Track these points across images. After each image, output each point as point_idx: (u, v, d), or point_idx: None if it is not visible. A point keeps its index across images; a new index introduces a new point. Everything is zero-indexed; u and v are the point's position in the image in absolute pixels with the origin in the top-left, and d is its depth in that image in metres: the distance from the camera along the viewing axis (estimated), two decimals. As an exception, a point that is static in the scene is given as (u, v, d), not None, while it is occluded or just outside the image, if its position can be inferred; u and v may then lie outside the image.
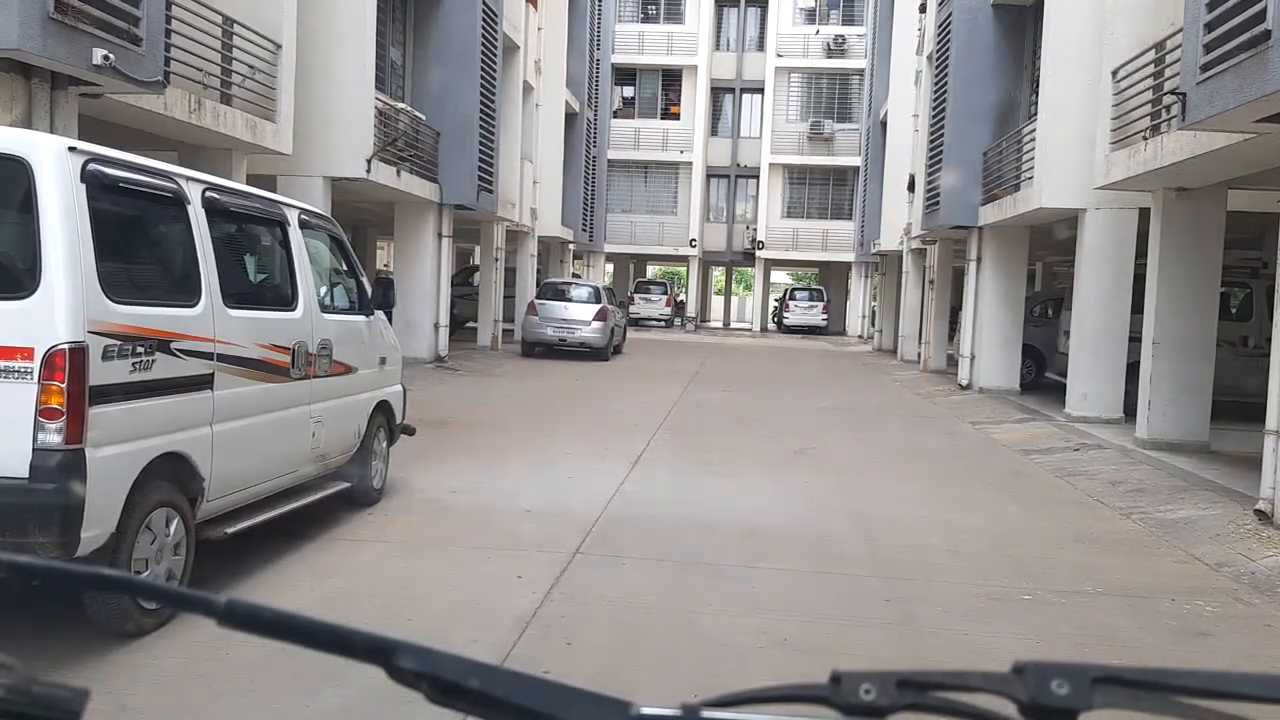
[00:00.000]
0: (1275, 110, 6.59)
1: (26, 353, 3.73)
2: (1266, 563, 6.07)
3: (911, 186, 21.82)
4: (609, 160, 34.82)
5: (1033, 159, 13.38)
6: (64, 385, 3.73)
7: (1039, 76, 13.66)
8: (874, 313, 32.71)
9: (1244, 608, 5.31)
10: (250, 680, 3.68)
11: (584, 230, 30.16)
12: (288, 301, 5.64)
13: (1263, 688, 0.66)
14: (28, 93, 7.12)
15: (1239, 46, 6.51)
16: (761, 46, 40.11)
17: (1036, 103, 13.65)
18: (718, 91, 40.53)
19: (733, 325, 44.23)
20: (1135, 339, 11.60)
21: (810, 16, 39.37)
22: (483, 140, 17.18)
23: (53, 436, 3.73)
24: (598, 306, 20.32)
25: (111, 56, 7.25)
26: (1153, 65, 9.68)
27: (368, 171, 13.66)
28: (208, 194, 4.79)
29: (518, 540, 6.04)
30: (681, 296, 41.35)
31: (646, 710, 0.68)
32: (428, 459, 8.13)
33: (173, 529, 4.36)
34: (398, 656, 0.69)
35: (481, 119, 17.02)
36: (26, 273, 3.82)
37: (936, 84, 17.83)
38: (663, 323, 36.59)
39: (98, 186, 3.99)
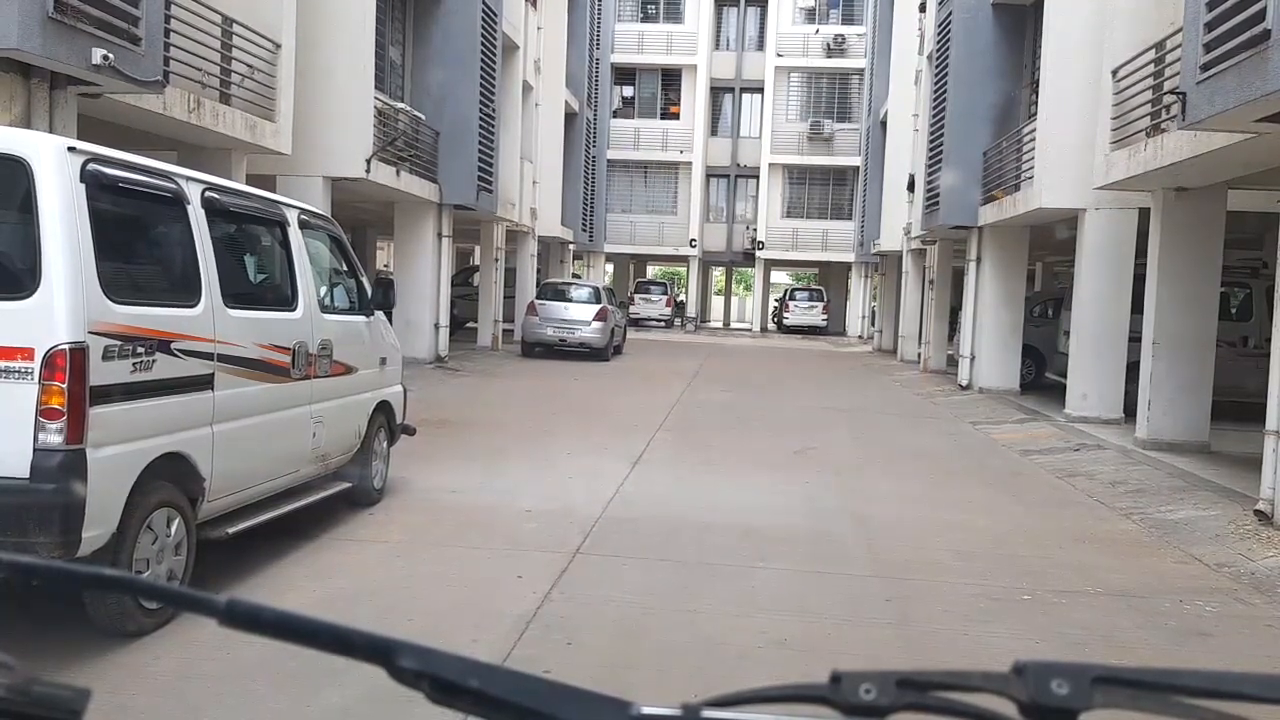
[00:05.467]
0: (1275, 110, 6.59)
1: (27, 353, 3.73)
2: (1266, 563, 6.07)
3: (911, 186, 21.82)
4: (609, 160, 34.80)
5: (1033, 159, 13.38)
6: (64, 385, 3.73)
7: (1039, 76, 13.65)
8: (874, 313, 32.70)
9: (1244, 608, 5.31)
10: (250, 680, 3.68)
11: (584, 230, 30.16)
12: (288, 302, 5.64)
13: (1263, 688, 0.66)
14: (27, 92, 7.12)
15: (1239, 46, 6.51)
16: (761, 46, 40.09)
17: (1036, 103, 13.65)
18: (717, 91, 40.51)
19: (733, 325, 44.22)
20: (1135, 339, 11.60)
21: (810, 16, 39.35)
22: (482, 140, 17.18)
23: (53, 437, 3.73)
24: (598, 307, 20.32)
25: (111, 56, 7.25)
26: (1153, 65, 9.68)
27: (367, 171, 13.66)
28: (207, 194, 4.79)
29: (518, 540, 6.04)
30: (681, 297, 41.33)
31: (646, 710, 0.68)
32: (428, 459, 8.13)
33: (174, 529, 4.36)
34: (398, 656, 0.69)
35: (481, 119, 17.02)
36: (26, 273, 3.81)
37: (936, 84, 17.83)
38: (663, 323, 36.56)
39: (97, 186, 3.99)
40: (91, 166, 3.98)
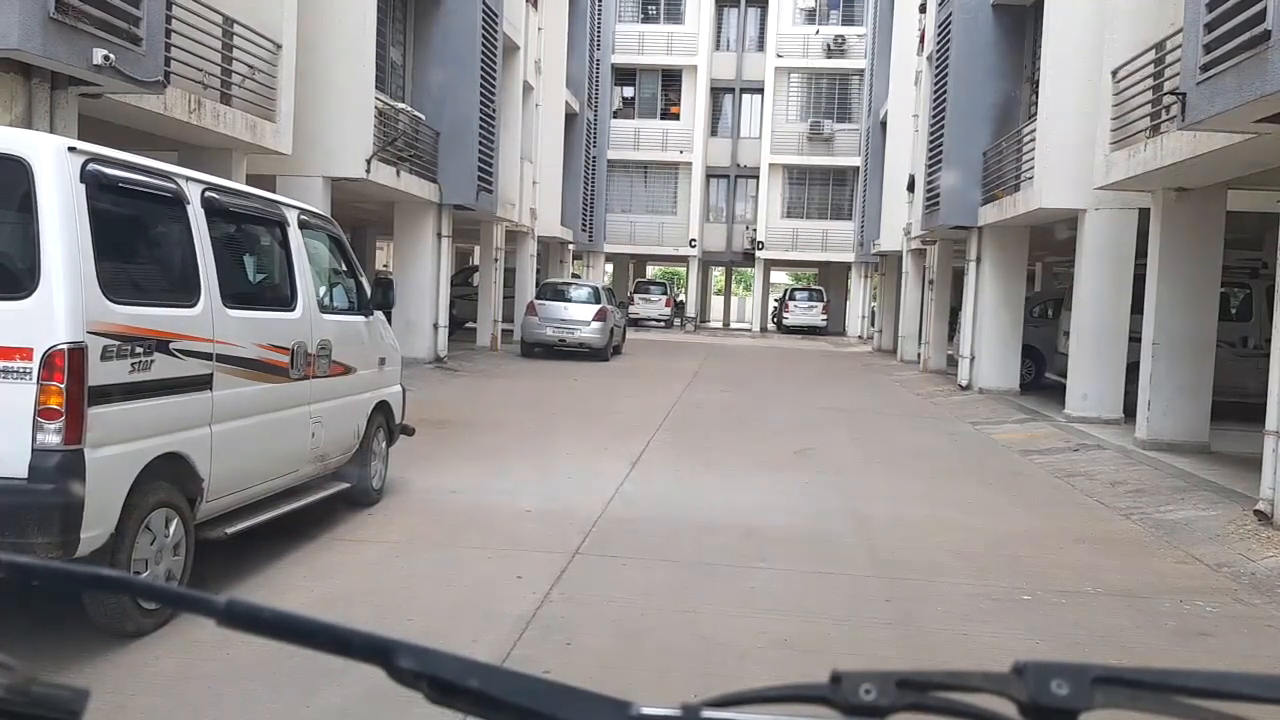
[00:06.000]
0: (1275, 110, 6.59)
1: (25, 353, 3.73)
2: (1266, 563, 6.07)
3: (911, 186, 21.82)
4: (609, 160, 34.80)
5: (1033, 159, 13.38)
6: (63, 385, 3.73)
7: (1039, 76, 13.66)
8: (874, 313, 32.72)
9: (1244, 608, 5.31)
10: (250, 680, 3.68)
11: (584, 230, 30.16)
12: (287, 302, 5.64)
13: (1263, 688, 0.66)
14: (28, 92, 7.12)
15: (1239, 47, 6.51)
16: (761, 46, 40.11)
17: (1036, 103, 13.66)
18: (718, 91, 40.52)
19: (732, 325, 44.23)
20: (1135, 339, 11.61)
21: (810, 16, 39.36)
22: (482, 140, 17.18)
23: (52, 437, 3.73)
24: (597, 307, 20.32)
25: (112, 56, 7.24)
26: (1153, 65, 9.68)
27: (367, 171, 13.66)
28: (207, 194, 4.79)
29: (517, 540, 6.04)
30: (681, 297, 41.34)
31: (646, 710, 0.68)
32: (427, 459, 8.13)
33: (172, 529, 4.36)
34: (397, 656, 0.69)
35: (481, 119, 17.02)
36: (26, 273, 3.81)
37: (936, 84, 17.83)
38: (662, 323, 36.57)
39: (97, 186, 3.99)
40: (91, 166, 3.98)
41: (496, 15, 17.70)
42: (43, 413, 3.72)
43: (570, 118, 27.09)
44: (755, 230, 39.35)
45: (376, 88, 14.22)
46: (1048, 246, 18.78)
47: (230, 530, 4.83)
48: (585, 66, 28.13)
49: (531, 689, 0.68)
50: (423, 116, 16.40)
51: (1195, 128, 7.61)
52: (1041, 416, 13.01)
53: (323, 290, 6.23)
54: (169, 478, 4.35)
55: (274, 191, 6.64)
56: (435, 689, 0.69)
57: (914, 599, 5.22)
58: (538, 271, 25.10)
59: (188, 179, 4.71)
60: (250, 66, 11.04)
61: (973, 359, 16.34)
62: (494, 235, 20.73)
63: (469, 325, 23.23)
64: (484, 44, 17.03)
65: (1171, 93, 8.30)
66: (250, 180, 10.26)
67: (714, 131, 40.55)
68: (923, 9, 20.78)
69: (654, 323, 36.34)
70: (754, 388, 16.93)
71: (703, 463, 9.19)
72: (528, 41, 21.45)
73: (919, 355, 21.65)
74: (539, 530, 6.27)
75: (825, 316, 37.62)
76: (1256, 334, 12.97)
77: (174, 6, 9.33)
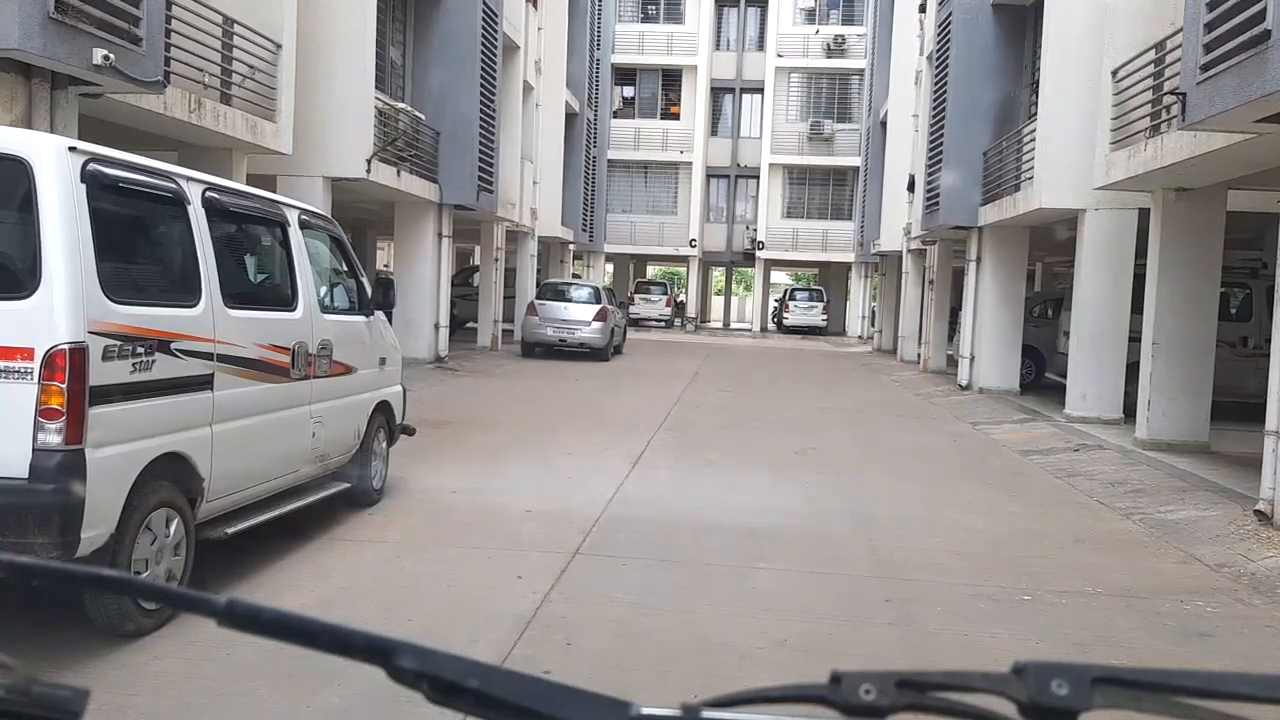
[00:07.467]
0: (1275, 110, 6.59)
1: (26, 353, 3.73)
2: (1266, 563, 6.07)
3: (911, 186, 21.81)
4: (609, 160, 34.81)
5: (1033, 159, 13.38)
6: (64, 385, 3.73)
7: (1039, 76, 13.66)
8: (874, 313, 32.71)
9: (1244, 608, 5.31)
10: (250, 680, 3.68)
11: (584, 230, 30.16)
12: (288, 302, 5.64)
13: (1263, 688, 0.66)
14: (28, 92, 7.12)
15: (1239, 46, 6.51)
16: (761, 46, 40.11)
17: (1036, 103, 13.66)
18: (718, 91, 40.53)
19: (733, 326, 44.23)
20: (1135, 339, 11.60)
21: (810, 16, 39.37)
22: (482, 140, 17.18)
23: (52, 437, 3.73)
24: (598, 307, 20.33)
25: (111, 56, 7.24)
26: (1153, 65, 9.68)
27: (368, 171, 13.66)
28: (208, 194, 4.79)
29: (518, 540, 6.04)
30: (681, 297, 41.34)
31: (646, 710, 0.68)
32: (428, 459, 8.13)
33: (173, 529, 4.36)
34: (398, 656, 0.69)
35: (481, 119, 17.03)
36: (26, 273, 3.81)
37: (936, 84, 17.83)
38: (663, 323, 36.57)
39: (98, 186, 3.99)
40: (92, 166, 3.98)
41: (496, 15, 17.70)
42: (44, 413, 3.72)
43: (570, 117, 27.09)
44: (755, 230, 39.34)
45: (376, 88, 14.23)
46: (1048, 246, 18.78)
47: (231, 530, 4.83)
48: (585, 66, 28.13)
49: (531, 689, 0.69)
50: (423, 116, 16.40)
51: (1195, 128, 7.61)
52: (1041, 416, 13.01)
53: (323, 290, 6.23)
54: (170, 477, 4.36)
55: (274, 191, 6.64)
56: (436, 689, 0.69)
57: (914, 599, 5.22)
58: (538, 271, 25.10)
59: (188, 179, 4.71)
60: (250, 66, 11.04)
61: (973, 359, 16.34)
62: (494, 235, 20.73)
63: (469, 325, 23.23)
64: (484, 44, 17.03)
65: (1171, 92, 8.30)
66: (251, 180, 10.26)
67: (714, 131, 40.56)
68: (923, 9, 20.77)
69: (654, 323, 36.34)
70: (754, 388, 16.93)
71: (703, 462, 9.19)
72: (528, 41, 21.45)
73: (919, 355, 21.65)
74: (539, 530, 6.27)
75: (825, 316, 37.60)
76: (1256, 334, 12.97)
77: (174, 6, 9.33)
